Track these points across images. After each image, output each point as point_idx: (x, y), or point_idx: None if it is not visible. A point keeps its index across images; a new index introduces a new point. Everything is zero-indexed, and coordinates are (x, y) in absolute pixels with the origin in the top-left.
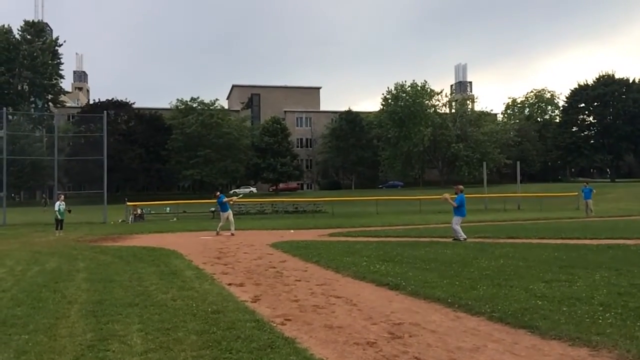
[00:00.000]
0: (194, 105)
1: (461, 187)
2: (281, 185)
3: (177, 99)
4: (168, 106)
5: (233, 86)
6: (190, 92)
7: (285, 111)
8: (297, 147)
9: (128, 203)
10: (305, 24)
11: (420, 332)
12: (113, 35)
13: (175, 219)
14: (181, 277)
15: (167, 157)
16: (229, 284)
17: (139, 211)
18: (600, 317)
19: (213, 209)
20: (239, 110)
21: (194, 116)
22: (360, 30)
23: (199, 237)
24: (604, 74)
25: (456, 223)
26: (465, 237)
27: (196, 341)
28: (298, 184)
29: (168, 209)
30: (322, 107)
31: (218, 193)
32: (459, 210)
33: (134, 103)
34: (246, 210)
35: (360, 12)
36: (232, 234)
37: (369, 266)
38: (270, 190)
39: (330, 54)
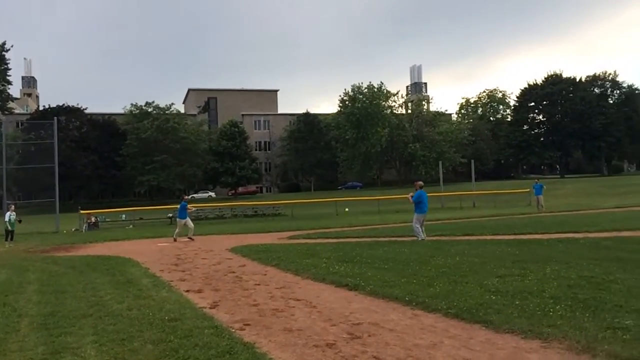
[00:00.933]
0: (149, 109)
1: (420, 183)
2: (240, 189)
3: (132, 104)
4: (122, 111)
5: (189, 90)
6: (145, 96)
7: (243, 114)
8: (256, 150)
9: (81, 211)
10: (263, 26)
11: (379, 331)
12: (63, 40)
13: (131, 226)
14: (137, 285)
15: (122, 163)
16: (187, 291)
17: (93, 219)
18: (551, 310)
19: (171, 214)
20: (195, 115)
21: (149, 121)
22: (317, 32)
23: (156, 244)
24: (552, 73)
25: (416, 220)
26: (423, 237)
27: (152, 350)
28: (257, 188)
29: (124, 216)
30: (280, 110)
31: (186, 197)
32: (417, 207)
33: (86, 108)
34: (205, 215)
35: (317, 14)
36: (191, 239)
37: (328, 267)
38: (229, 194)
39: (287, 57)
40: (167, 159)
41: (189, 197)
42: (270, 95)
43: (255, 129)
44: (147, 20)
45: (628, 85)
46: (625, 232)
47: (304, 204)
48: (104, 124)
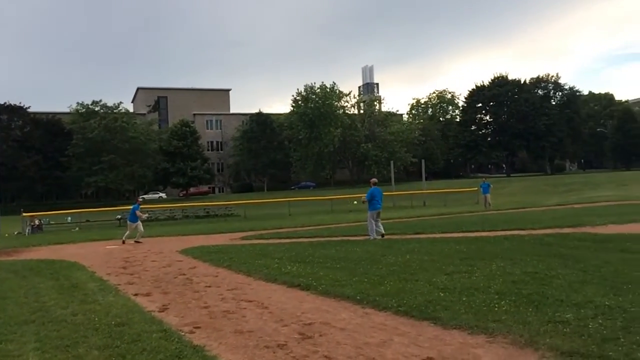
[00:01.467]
0: (96, 108)
1: (373, 180)
2: (192, 190)
3: (78, 103)
4: (68, 110)
5: (138, 89)
6: (92, 95)
7: (194, 114)
8: (208, 150)
9: (24, 214)
10: (214, 25)
11: (330, 331)
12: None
13: (77, 229)
14: (83, 290)
15: (67, 163)
16: (135, 295)
17: (36, 222)
18: (496, 305)
19: (119, 216)
20: (145, 114)
21: (96, 120)
22: (270, 32)
23: (104, 246)
24: (499, 75)
25: (370, 218)
26: (374, 237)
27: (98, 357)
28: (209, 188)
29: (69, 218)
30: (233, 110)
31: (140, 200)
32: (370, 204)
33: (29, 107)
34: (155, 217)
35: (270, 13)
36: (138, 242)
37: (280, 268)
38: (181, 195)
39: (240, 56)
40: (115, 159)
41: (141, 198)
42: (222, 94)
43: (207, 128)
44: (93, 16)
45: (569, 88)
46: (566, 229)
47: (256, 204)
48: (48, 123)
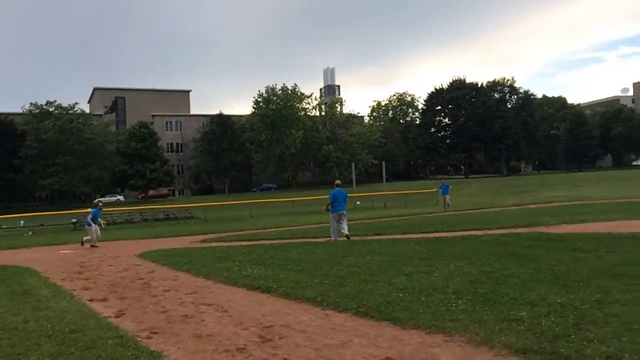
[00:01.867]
0: (51, 109)
1: (337, 182)
2: (151, 192)
3: (31, 103)
4: (20, 111)
5: (94, 89)
6: (46, 95)
7: (153, 115)
8: (168, 152)
9: None
10: (174, 25)
11: (290, 333)
12: None
13: (30, 233)
14: (35, 296)
15: (20, 165)
16: (91, 300)
17: None
18: (454, 305)
19: (75, 220)
20: (102, 115)
21: (50, 121)
22: (231, 33)
23: (58, 251)
24: (457, 79)
25: (332, 220)
26: (334, 238)
27: None
28: (169, 190)
29: (22, 222)
30: (193, 111)
31: (100, 204)
32: (332, 206)
33: None
34: (112, 220)
35: (231, 15)
36: (94, 246)
37: (241, 271)
38: (139, 197)
39: (200, 57)
40: (70, 161)
41: (100, 203)
42: (182, 95)
43: (167, 130)
44: (47, 14)
45: (524, 91)
46: (521, 229)
47: (217, 206)
48: (0, 124)
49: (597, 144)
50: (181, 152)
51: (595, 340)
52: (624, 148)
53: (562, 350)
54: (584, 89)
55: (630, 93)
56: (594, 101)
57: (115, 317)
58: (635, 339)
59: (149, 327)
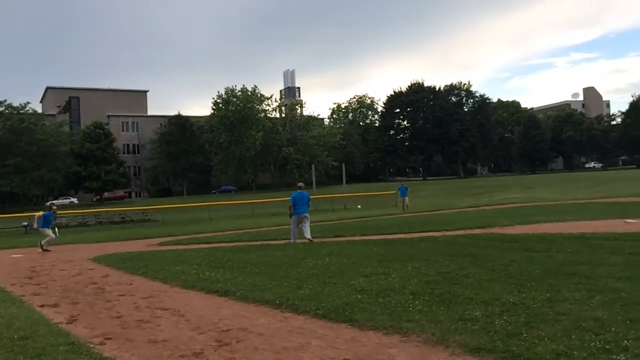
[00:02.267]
0: (1, 109)
1: (298, 184)
2: (106, 194)
3: None
4: None
5: (47, 88)
6: None
7: (109, 115)
8: (124, 153)
9: None
10: (130, 24)
11: (248, 337)
12: None
13: None
14: None
15: None
16: (41, 306)
17: None
18: (411, 305)
19: (26, 223)
20: (55, 115)
21: (0, 121)
22: (189, 33)
23: (9, 255)
24: (415, 82)
25: (293, 222)
26: (294, 241)
27: None
28: (125, 192)
29: None
30: (150, 112)
31: (54, 207)
32: (293, 208)
33: None
34: (65, 223)
35: (189, 14)
36: (47, 250)
37: (198, 274)
38: (94, 200)
39: (157, 57)
40: (21, 162)
41: (55, 206)
42: (139, 95)
43: (123, 131)
44: None
45: (480, 95)
46: (477, 230)
47: (176, 209)
48: None
49: (549, 147)
50: (138, 153)
51: (546, 338)
52: (574, 151)
53: (514, 348)
54: (537, 93)
55: (581, 98)
56: (546, 105)
57: (67, 323)
58: (583, 337)
59: (102, 333)
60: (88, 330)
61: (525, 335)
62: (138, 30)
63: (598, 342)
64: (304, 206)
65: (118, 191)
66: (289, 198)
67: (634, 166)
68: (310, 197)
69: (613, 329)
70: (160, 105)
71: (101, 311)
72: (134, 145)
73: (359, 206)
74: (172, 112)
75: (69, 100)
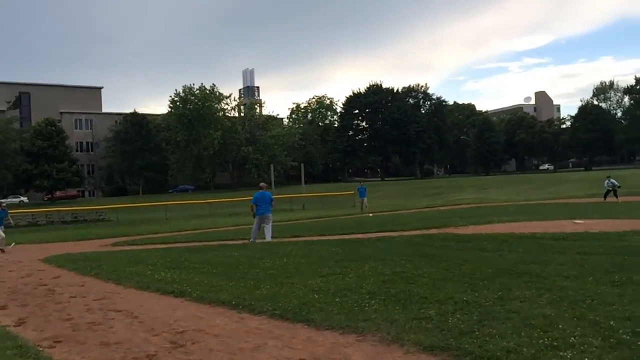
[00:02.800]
0: None
1: (260, 184)
2: (58, 194)
3: None
4: None
5: None
6: None
7: (61, 112)
8: (77, 151)
9: None
10: (84, 18)
11: (204, 338)
12: None
13: None
14: None
15: None
16: None
17: None
18: (367, 305)
19: None
20: (4, 111)
21: None
22: (145, 29)
23: None
24: (374, 83)
25: (256, 222)
26: (253, 239)
27: None
28: (78, 192)
29: None
30: (105, 109)
31: (4, 204)
32: (255, 208)
33: None
34: (15, 223)
35: (145, 10)
36: (2, 250)
37: (153, 275)
38: (45, 199)
39: (113, 53)
40: None
41: (5, 204)
42: (93, 92)
43: (76, 128)
44: None
45: (437, 98)
46: (432, 230)
47: (131, 208)
48: None
49: (503, 149)
50: (92, 151)
51: (497, 336)
52: (526, 153)
53: (467, 346)
54: (491, 97)
55: (533, 102)
56: (500, 109)
57: (15, 325)
58: (532, 334)
59: (52, 336)
60: (37, 333)
61: (477, 333)
62: (90, 25)
63: (546, 339)
64: (267, 206)
65: (70, 190)
66: (251, 198)
67: (583, 168)
68: (274, 197)
69: (560, 326)
70: (115, 103)
71: (51, 313)
72: (87, 143)
73: (370, 214)
74: (128, 110)
75: (19, 96)
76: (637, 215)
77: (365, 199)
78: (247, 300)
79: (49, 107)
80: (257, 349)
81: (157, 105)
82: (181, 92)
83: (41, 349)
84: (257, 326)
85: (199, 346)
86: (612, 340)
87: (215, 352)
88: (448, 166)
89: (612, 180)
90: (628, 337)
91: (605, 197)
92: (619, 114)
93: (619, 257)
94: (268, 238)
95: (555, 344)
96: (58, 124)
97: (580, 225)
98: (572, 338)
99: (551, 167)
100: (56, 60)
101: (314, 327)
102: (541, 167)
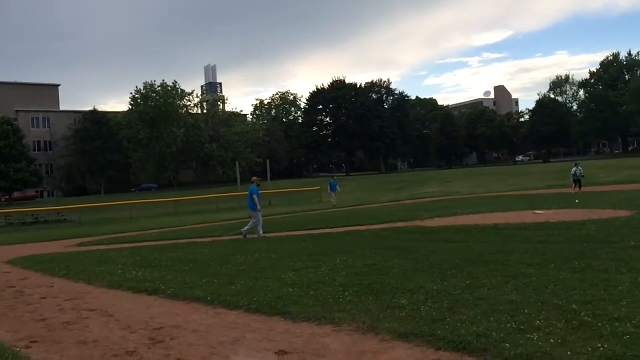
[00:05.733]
0: None
1: (253, 179)
2: (16, 194)
3: None
4: None
5: None
6: None
7: (17, 111)
8: (35, 150)
9: None
10: (39, 14)
11: (182, 334)
12: None
13: None
14: None
15: None
16: None
17: None
18: (341, 297)
19: None
20: None
21: None
22: (102, 24)
23: None
24: (337, 79)
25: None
26: (242, 230)
27: None
28: (37, 192)
29: None
30: (62, 107)
31: None
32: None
33: None
34: None
35: (101, 5)
36: None
37: (124, 274)
38: (3, 200)
39: (69, 49)
40: None
41: None
42: (50, 90)
43: (33, 127)
44: None
45: (399, 93)
46: (399, 223)
47: (93, 208)
48: None
49: (464, 143)
50: (50, 150)
51: (468, 322)
52: (487, 147)
53: (439, 332)
54: (452, 91)
55: (492, 96)
56: (461, 103)
57: None
58: (500, 319)
59: (27, 336)
60: (11, 334)
61: (448, 319)
62: (45, 20)
63: (514, 324)
64: (249, 202)
65: (29, 190)
66: (247, 193)
67: (541, 161)
68: (237, 194)
69: (526, 311)
70: (73, 101)
71: (23, 315)
72: (45, 142)
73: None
74: (87, 108)
75: None
76: (594, 206)
77: (335, 193)
78: (222, 296)
79: (4, 106)
80: (236, 343)
81: (117, 103)
82: (142, 89)
83: (18, 349)
84: (234, 321)
85: (178, 342)
86: (574, 322)
87: (195, 346)
88: (411, 160)
89: (580, 168)
90: (589, 319)
91: (575, 186)
92: (575, 107)
93: (578, 245)
94: (243, 229)
95: (522, 327)
96: (14, 122)
97: (540, 215)
98: (538, 321)
99: (526, 159)
100: (9, 56)
101: (291, 319)
102: (517, 159)
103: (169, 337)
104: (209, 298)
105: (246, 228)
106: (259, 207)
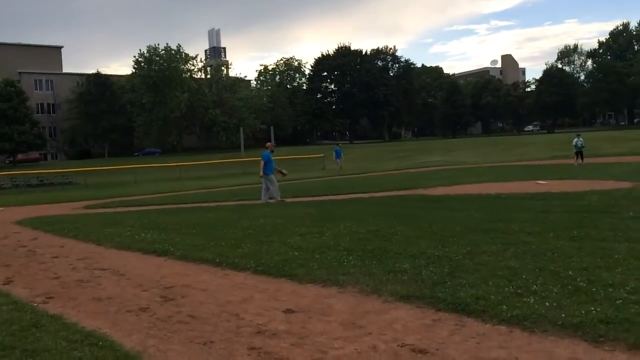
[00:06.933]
0: None
1: (267, 144)
2: (20, 156)
3: None
4: None
5: None
6: None
7: (20, 72)
8: (38, 113)
9: None
10: None
11: (192, 292)
12: None
13: None
14: None
15: None
16: None
17: None
18: (345, 260)
19: None
20: None
21: None
22: None
23: None
24: (342, 45)
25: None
26: (267, 200)
27: None
28: (40, 154)
29: None
30: (65, 69)
31: None
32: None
33: None
34: None
35: None
36: None
37: (133, 235)
38: (7, 162)
39: (71, 10)
40: None
41: None
42: (53, 52)
43: (36, 89)
44: None
45: (405, 60)
46: (403, 191)
47: (98, 171)
48: None
49: (469, 112)
50: (53, 113)
51: (467, 285)
52: (492, 116)
53: (440, 294)
54: (458, 59)
55: (499, 65)
56: (466, 72)
57: (3, 284)
58: (499, 283)
59: (43, 293)
60: (28, 290)
61: (449, 283)
62: None
63: (511, 287)
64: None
65: (32, 153)
66: (261, 158)
67: (546, 131)
68: (241, 160)
69: (524, 276)
70: (76, 63)
71: (37, 272)
72: (48, 104)
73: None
74: (90, 70)
75: None
76: (595, 177)
77: (340, 160)
78: (230, 258)
79: (8, 67)
80: (244, 301)
81: (120, 66)
82: (145, 52)
83: (35, 304)
84: (242, 281)
85: (188, 299)
86: (570, 287)
87: (205, 304)
88: (415, 129)
89: (581, 139)
90: (584, 285)
91: (577, 157)
92: (582, 78)
93: (578, 215)
94: (265, 199)
95: (519, 291)
96: (17, 84)
97: (542, 185)
98: (534, 286)
99: (535, 129)
100: (11, 17)
101: (297, 281)
102: (525, 129)
103: (180, 295)
104: (217, 260)
105: (269, 195)
106: (261, 172)
